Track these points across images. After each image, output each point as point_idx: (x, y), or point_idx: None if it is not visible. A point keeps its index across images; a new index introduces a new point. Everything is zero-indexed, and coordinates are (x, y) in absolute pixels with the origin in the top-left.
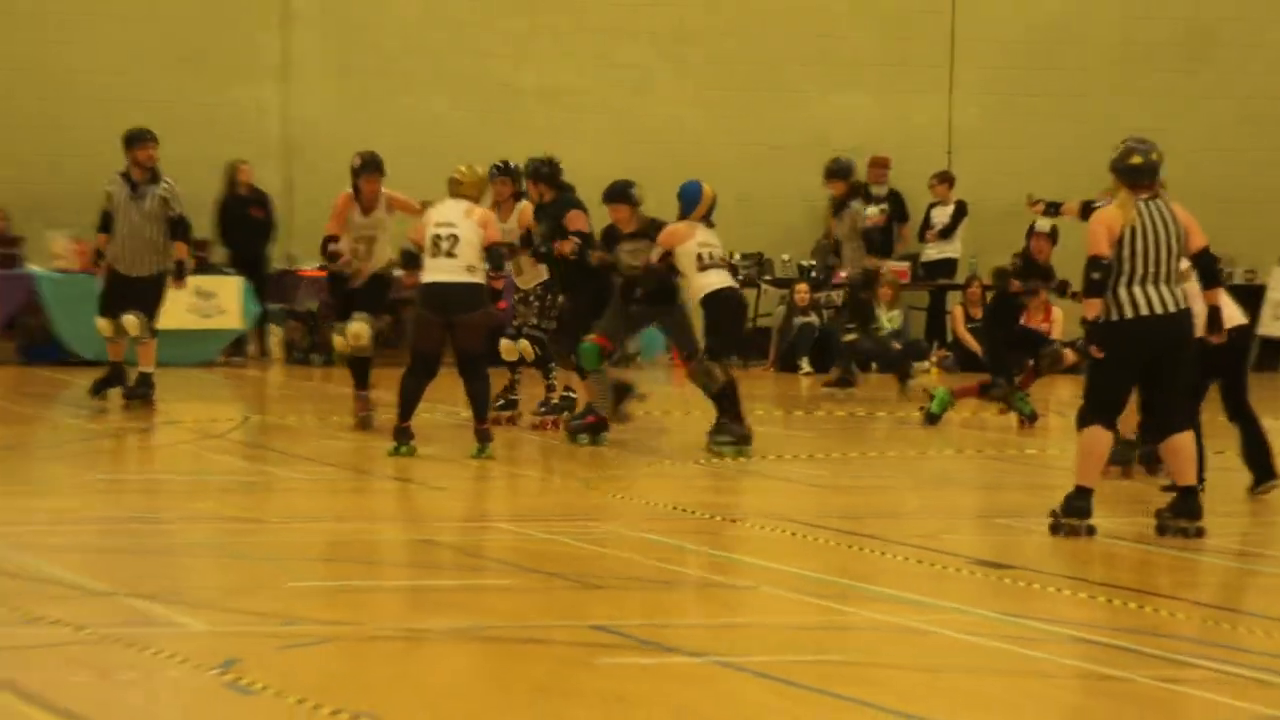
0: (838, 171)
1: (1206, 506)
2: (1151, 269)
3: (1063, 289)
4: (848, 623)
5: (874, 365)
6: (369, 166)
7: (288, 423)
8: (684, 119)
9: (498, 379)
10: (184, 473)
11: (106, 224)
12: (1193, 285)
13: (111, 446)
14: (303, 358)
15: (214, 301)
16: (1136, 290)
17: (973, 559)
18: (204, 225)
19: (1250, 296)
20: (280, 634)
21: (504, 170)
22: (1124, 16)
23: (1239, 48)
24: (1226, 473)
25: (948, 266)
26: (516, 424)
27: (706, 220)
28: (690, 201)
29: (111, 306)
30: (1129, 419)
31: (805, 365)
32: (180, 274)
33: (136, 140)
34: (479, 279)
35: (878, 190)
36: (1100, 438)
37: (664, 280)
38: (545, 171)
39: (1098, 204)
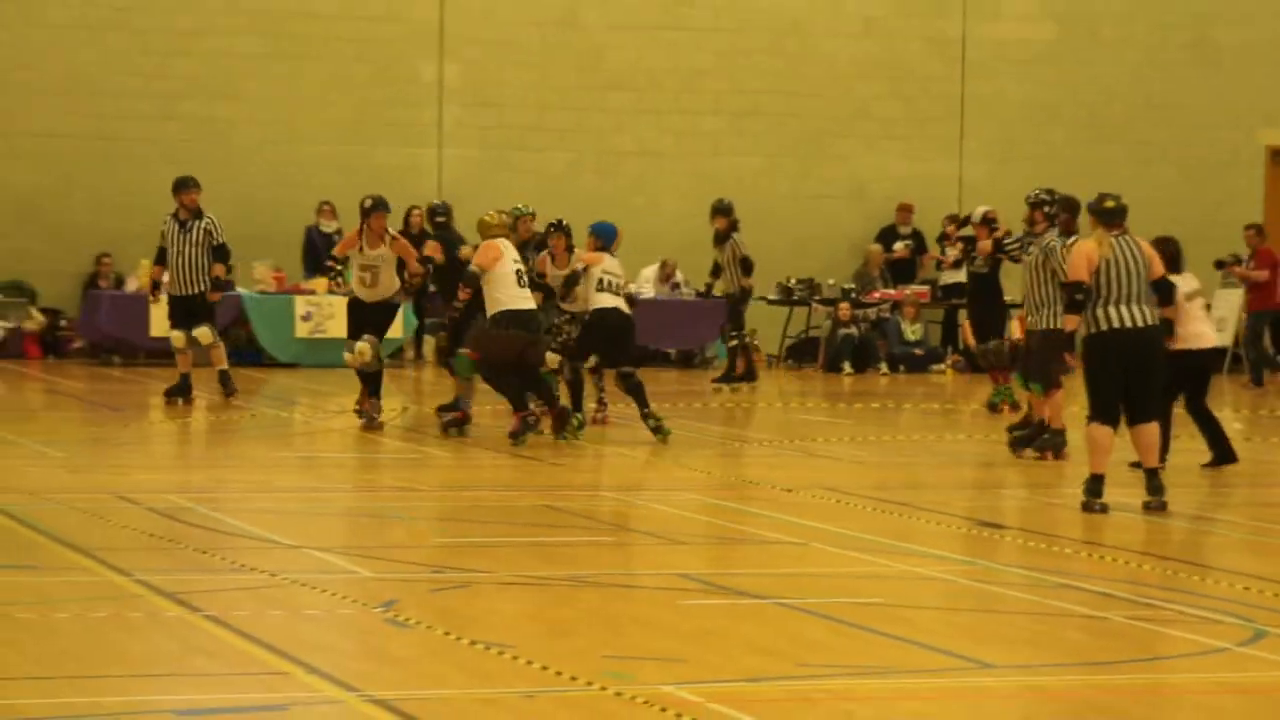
0: (720, 210)
1: (1177, 480)
2: (1124, 291)
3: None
4: (881, 572)
5: (901, 367)
6: (378, 206)
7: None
8: (749, 175)
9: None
10: (356, 451)
11: (161, 257)
12: (1193, 305)
13: (299, 430)
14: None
15: None
16: (1112, 309)
17: (980, 521)
18: None
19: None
20: (431, 579)
21: (559, 227)
22: (1096, 98)
23: (1181, 126)
24: (1185, 454)
25: (959, 289)
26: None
27: (613, 253)
28: (608, 238)
29: (181, 323)
30: (1057, 410)
31: (847, 367)
32: (217, 287)
33: (182, 186)
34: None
35: (904, 230)
36: (1101, 433)
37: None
38: (439, 211)
39: (1005, 241)
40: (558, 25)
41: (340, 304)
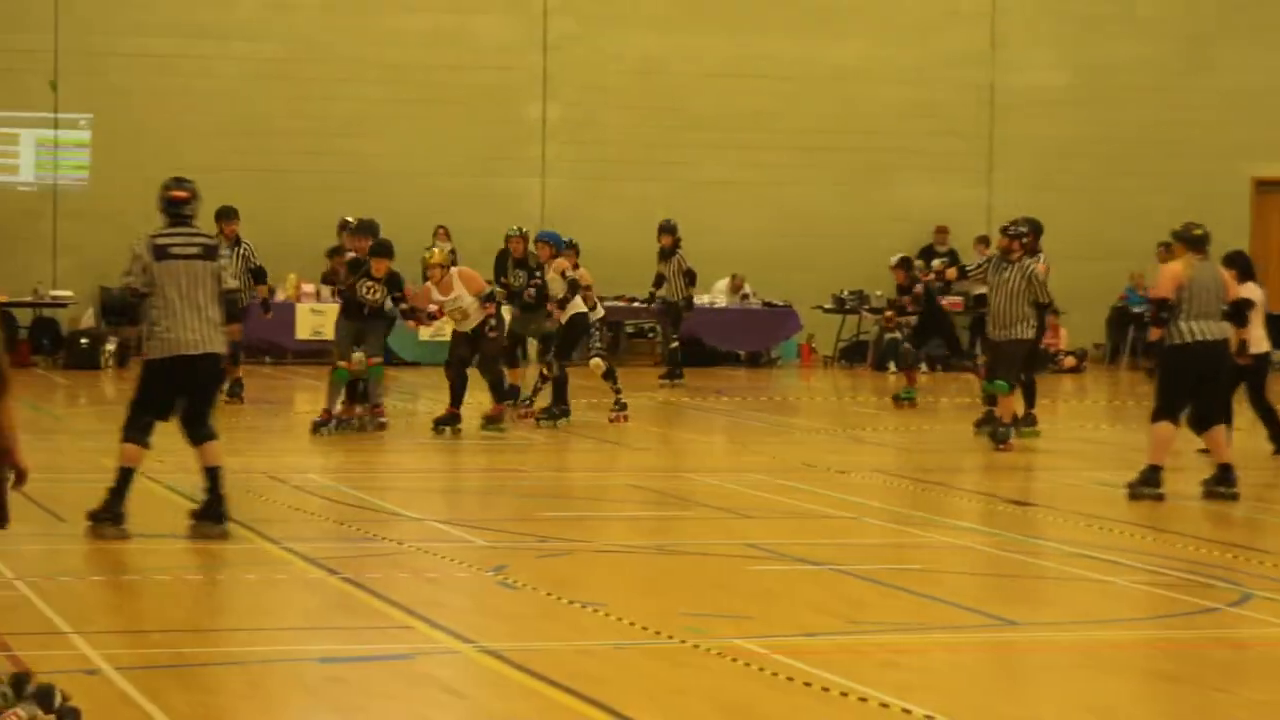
0: (666, 229)
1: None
2: (1202, 309)
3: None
4: (922, 543)
5: (938, 366)
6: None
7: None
8: (812, 200)
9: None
10: (470, 438)
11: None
12: (1253, 312)
13: (422, 420)
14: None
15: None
16: (1194, 324)
17: (1008, 499)
18: (486, 272)
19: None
20: (536, 548)
21: (569, 244)
22: (1106, 135)
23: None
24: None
25: (984, 300)
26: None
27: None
28: (561, 245)
29: None
30: (1007, 406)
31: (892, 366)
32: (267, 307)
33: (224, 216)
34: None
35: (941, 248)
36: (1167, 430)
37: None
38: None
39: (968, 267)
40: (646, 72)
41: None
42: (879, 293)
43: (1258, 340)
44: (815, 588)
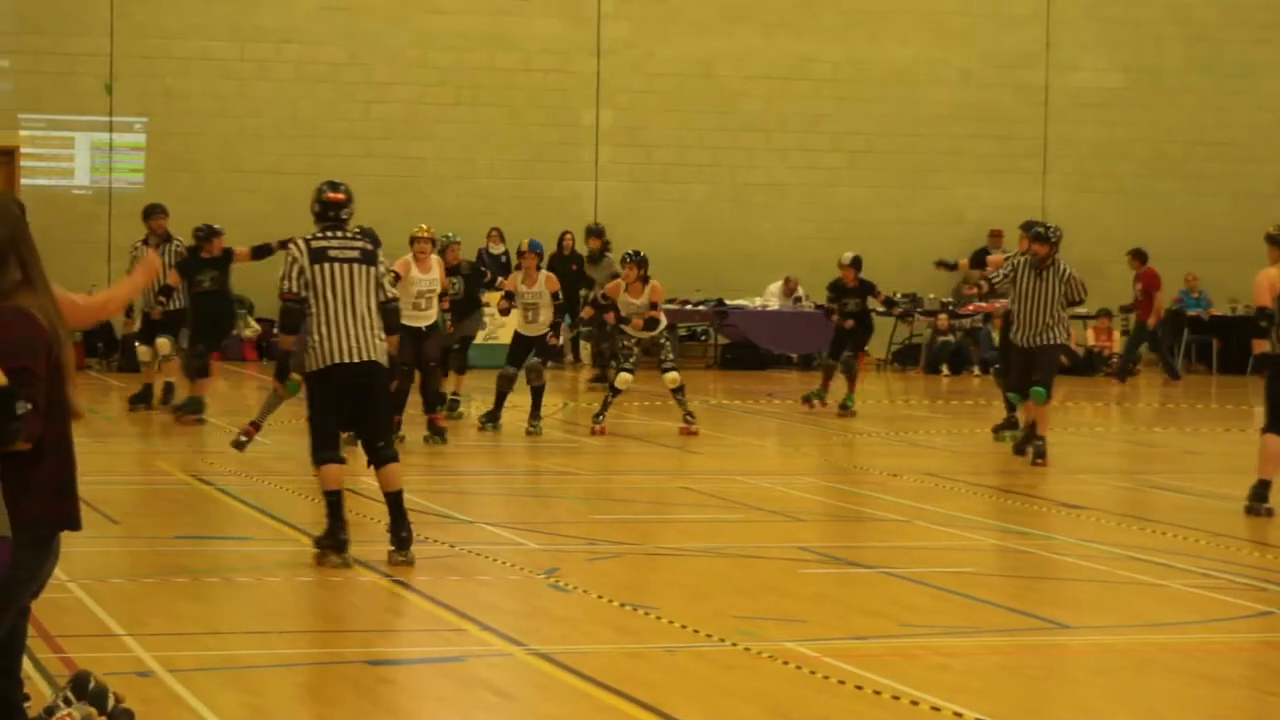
0: (594, 231)
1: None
2: None
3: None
4: (973, 545)
5: (991, 370)
6: (533, 248)
7: (593, 407)
8: (862, 203)
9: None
10: (521, 440)
11: None
12: None
13: (471, 422)
14: (603, 363)
15: None
16: None
17: (1059, 502)
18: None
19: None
20: (587, 550)
21: (634, 258)
22: (1159, 137)
23: (1232, 161)
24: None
25: None
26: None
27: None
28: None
29: (148, 337)
30: (1045, 416)
31: (945, 370)
32: (164, 292)
33: (151, 214)
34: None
35: (995, 252)
36: (1275, 444)
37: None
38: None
39: (994, 278)
40: (697, 76)
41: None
42: (931, 295)
43: None
44: (866, 591)
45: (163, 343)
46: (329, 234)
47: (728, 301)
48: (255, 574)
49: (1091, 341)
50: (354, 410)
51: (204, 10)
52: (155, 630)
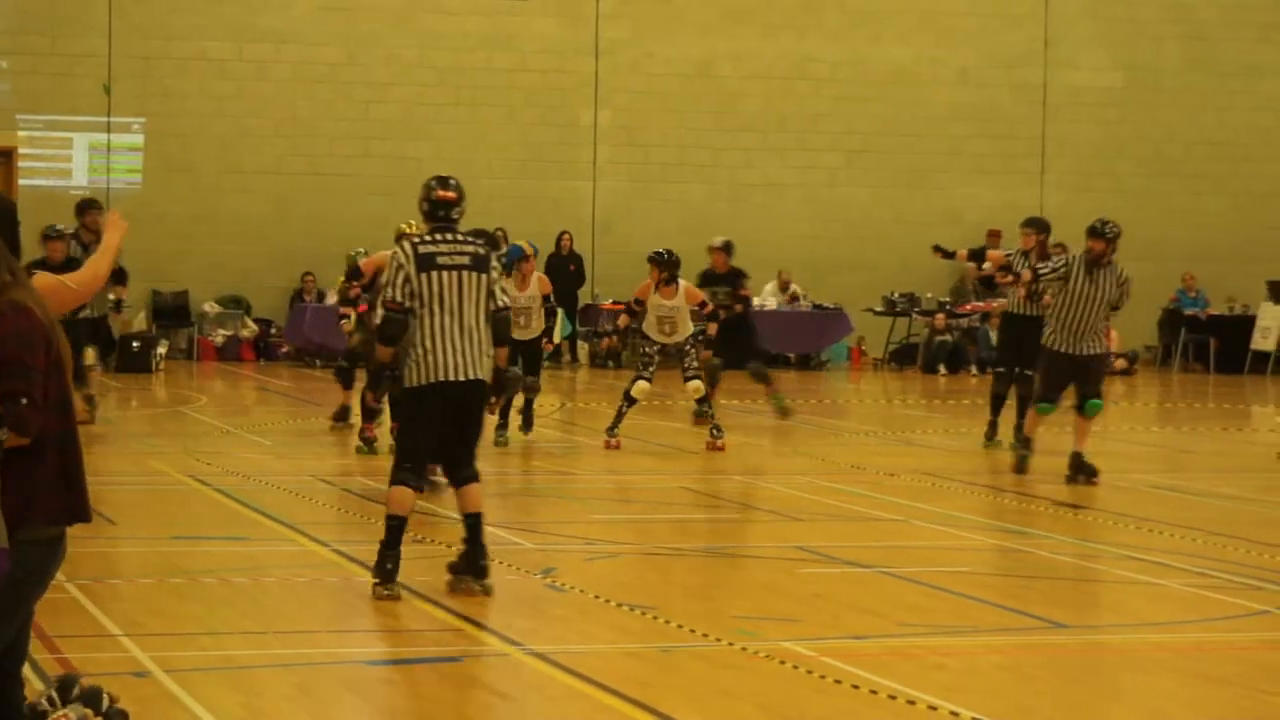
0: (489, 239)
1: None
2: None
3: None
4: (970, 545)
5: (989, 369)
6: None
7: (590, 407)
8: (860, 204)
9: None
10: (518, 440)
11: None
12: None
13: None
14: (601, 363)
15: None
16: None
17: (1056, 501)
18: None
19: (1247, 323)
20: (584, 550)
21: (666, 256)
22: (1159, 136)
23: (1231, 161)
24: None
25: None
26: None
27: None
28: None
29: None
30: (1087, 431)
31: (942, 369)
32: (119, 308)
33: (85, 209)
34: None
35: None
36: None
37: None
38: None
39: (1042, 270)
40: (695, 76)
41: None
42: (929, 295)
43: None
44: (864, 590)
45: (89, 352)
46: (438, 237)
47: None
48: (252, 574)
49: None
50: (450, 430)
51: (202, 11)
52: (152, 630)
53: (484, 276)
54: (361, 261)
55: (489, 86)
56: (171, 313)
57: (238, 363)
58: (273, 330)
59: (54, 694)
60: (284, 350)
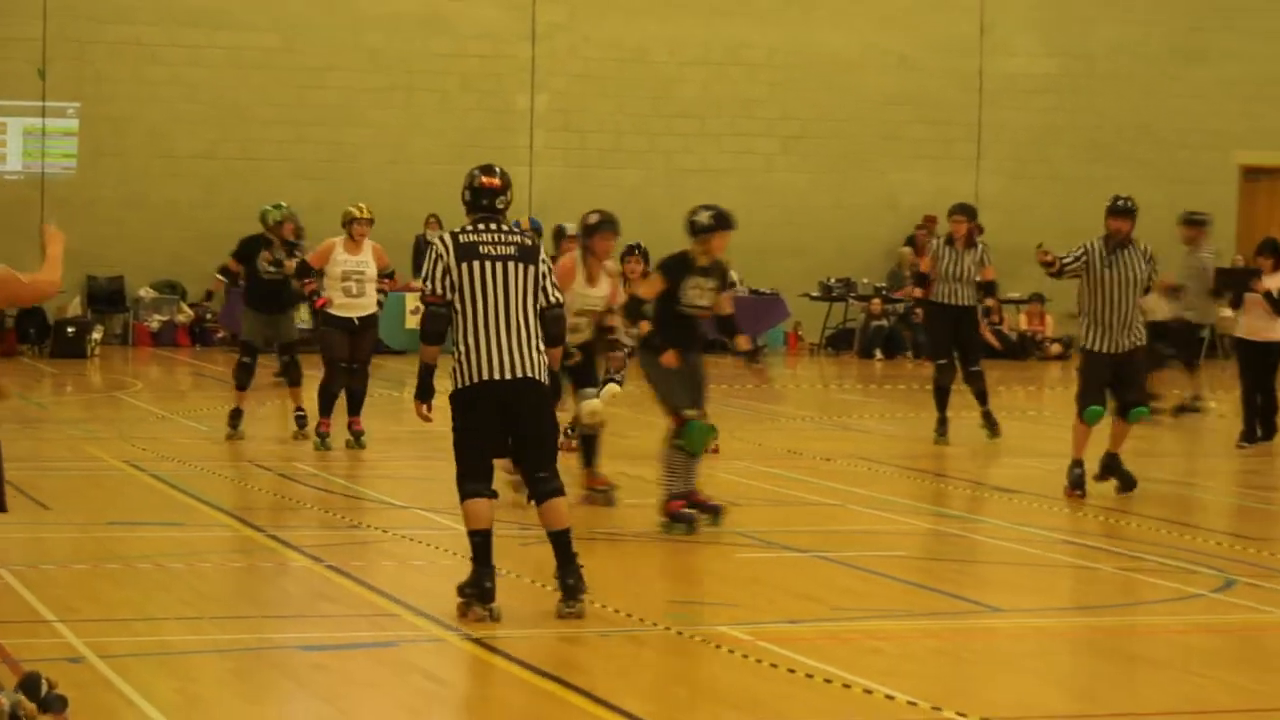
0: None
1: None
2: None
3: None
4: (906, 529)
5: (909, 353)
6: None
7: None
8: (797, 189)
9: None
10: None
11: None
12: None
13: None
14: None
15: None
16: None
17: (992, 486)
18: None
19: None
20: (520, 535)
21: (635, 250)
22: (1093, 123)
23: (1167, 147)
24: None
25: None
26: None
27: None
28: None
29: None
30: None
31: (878, 354)
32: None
33: None
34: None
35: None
36: None
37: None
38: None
39: (1067, 262)
40: (632, 61)
41: None
42: (865, 280)
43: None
44: (800, 575)
45: None
46: (480, 226)
47: None
48: (188, 560)
49: (1024, 326)
50: (510, 435)
51: None
52: (87, 616)
53: (532, 268)
54: (309, 256)
55: (425, 71)
56: (106, 298)
57: (173, 348)
58: (208, 316)
59: (20, 697)
60: (219, 335)
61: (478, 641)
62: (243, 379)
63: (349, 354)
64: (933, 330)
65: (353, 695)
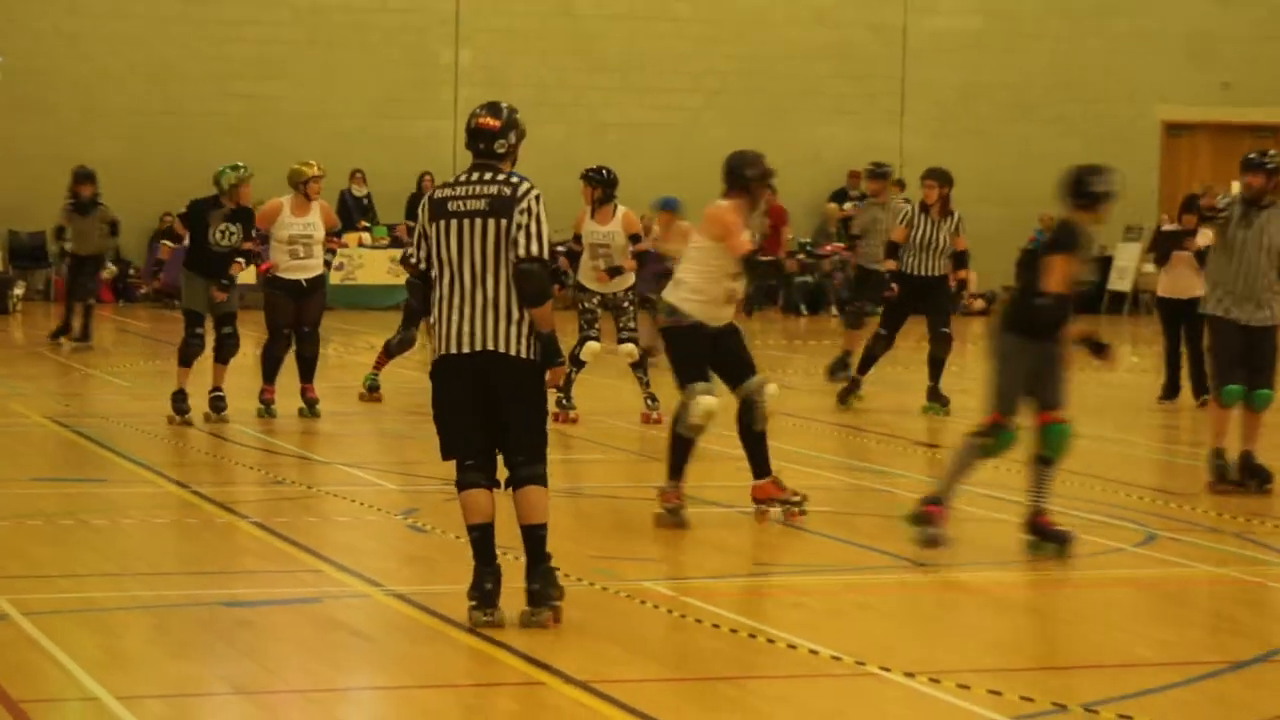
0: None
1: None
2: None
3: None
4: (830, 484)
5: (833, 309)
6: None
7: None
8: (718, 143)
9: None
10: (382, 382)
11: (61, 233)
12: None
13: (333, 364)
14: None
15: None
16: None
17: (916, 441)
18: (399, 215)
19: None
20: (444, 491)
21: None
22: (1017, 80)
23: (1089, 103)
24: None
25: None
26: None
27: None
28: None
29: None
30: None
31: (803, 310)
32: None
33: (83, 179)
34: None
35: (853, 192)
36: None
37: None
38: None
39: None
40: (557, 15)
41: (366, 256)
42: (790, 236)
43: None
44: (723, 530)
45: None
46: (463, 178)
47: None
48: (110, 516)
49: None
50: (484, 412)
51: None
52: (10, 573)
53: (502, 222)
54: (265, 206)
55: (347, 25)
56: (28, 253)
57: (97, 304)
58: (131, 272)
59: None
60: (143, 291)
61: (403, 598)
62: (189, 355)
63: (295, 318)
64: (890, 303)
65: (277, 651)
